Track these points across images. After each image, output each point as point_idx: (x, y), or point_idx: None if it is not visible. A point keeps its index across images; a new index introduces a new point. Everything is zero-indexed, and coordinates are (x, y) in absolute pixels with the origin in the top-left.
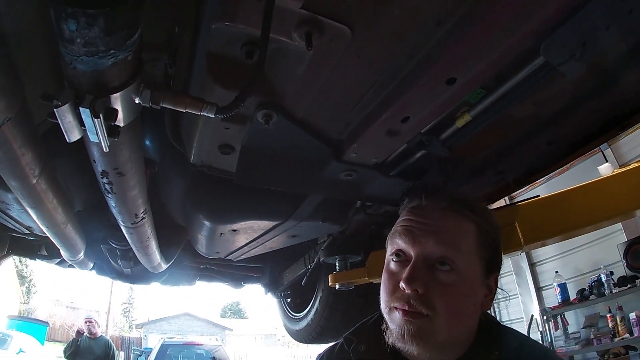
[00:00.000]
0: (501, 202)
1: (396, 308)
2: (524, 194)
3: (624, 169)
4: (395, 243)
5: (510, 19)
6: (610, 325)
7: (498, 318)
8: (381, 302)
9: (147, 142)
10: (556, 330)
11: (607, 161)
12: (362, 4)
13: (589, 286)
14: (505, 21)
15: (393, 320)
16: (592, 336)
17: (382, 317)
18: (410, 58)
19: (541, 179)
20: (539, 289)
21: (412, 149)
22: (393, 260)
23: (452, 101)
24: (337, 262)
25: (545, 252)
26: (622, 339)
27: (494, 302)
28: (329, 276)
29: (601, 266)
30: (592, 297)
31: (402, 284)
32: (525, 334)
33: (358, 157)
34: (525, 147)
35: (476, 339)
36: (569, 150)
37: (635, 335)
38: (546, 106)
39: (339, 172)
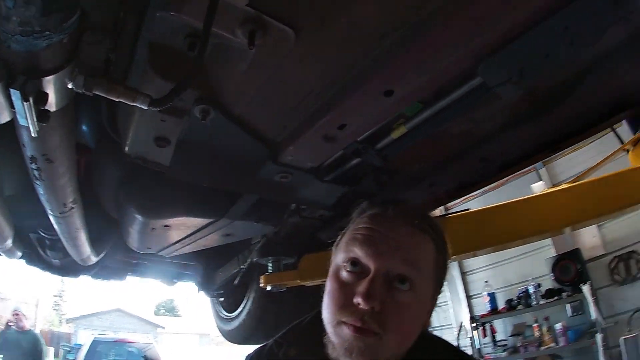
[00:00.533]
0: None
1: (345, 323)
2: (459, 206)
3: (553, 189)
4: (351, 251)
5: (451, 39)
6: (536, 334)
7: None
8: (325, 312)
9: (84, 127)
10: (484, 337)
11: (541, 180)
12: (311, 9)
13: (517, 297)
14: (447, 41)
15: (340, 335)
16: (519, 344)
17: (315, 321)
18: (351, 67)
19: (476, 192)
20: (469, 297)
21: (348, 156)
22: (346, 270)
23: (388, 113)
24: (270, 263)
25: (477, 262)
26: (548, 347)
27: None
28: (261, 277)
29: (530, 278)
30: (519, 307)
31: (357, 299)
32: (455, 340)
33: (294, 160)
34: (459, 162)
35: (410, 348)
36: (501, 168)
37: (561, 344)
38: (482, 125)
39: (274, 174)
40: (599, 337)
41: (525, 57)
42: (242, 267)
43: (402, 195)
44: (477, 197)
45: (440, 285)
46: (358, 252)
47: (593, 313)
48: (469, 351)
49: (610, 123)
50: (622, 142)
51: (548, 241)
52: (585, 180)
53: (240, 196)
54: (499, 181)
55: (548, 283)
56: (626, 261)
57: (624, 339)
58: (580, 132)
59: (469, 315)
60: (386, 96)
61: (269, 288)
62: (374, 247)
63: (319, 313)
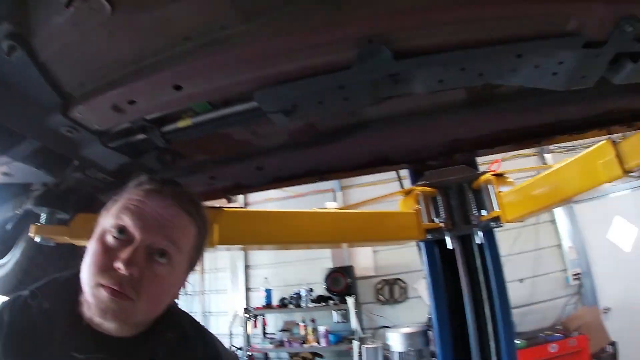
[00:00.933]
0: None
1: (103, 286)
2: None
3: (326, 210)
4: (120, 218)
5: (238, 63)
6: (302, 333)
7: (206, 309)
8: (85, 272)
9: None
10: (255, 327)
11: (335, 201)
12: None
13: (290, 297)
14: (234, 63)
15: (97, 297)
16: (286, 339)
17: (73, 278)
18: (153, 54)
19: (278, 196)
20: (248, 289)
21: (134, 129)
22: (113, 236)
23: (175, 104)
24: (43, 214)
25: (261, 259)
26: (311, 346)
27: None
28: (32, 226)
29: (304, 283)
30: (291, 306)
31: (118, 264)
32: (229, 327)
33: (82, 118)
34: (238, 164)
35: (158, 317)
36: (275, 180)
37: (322, 345)
38: (262, 139)
39: (61, 125)
40: (355, 343)
41: (299, 98)
42: (16, 212)
43: (183, 180)
44: (279, 200)
45: (194, 265)
46: (127, 221)
47: (354, 323)
48: (240, 339)
49: (390, 169)
50: (402, 187)
51: (328, 253)
52: (360, 210)
53: (25, 138)
54: (302, 191)
55: (320, 290)
56: (391, 285)
57: (366, 348)
58: (350, 170)
59: (245, 306)
60: (175, 89)
61: (37, 239)
62: (143, 220)
63: (79, 272)
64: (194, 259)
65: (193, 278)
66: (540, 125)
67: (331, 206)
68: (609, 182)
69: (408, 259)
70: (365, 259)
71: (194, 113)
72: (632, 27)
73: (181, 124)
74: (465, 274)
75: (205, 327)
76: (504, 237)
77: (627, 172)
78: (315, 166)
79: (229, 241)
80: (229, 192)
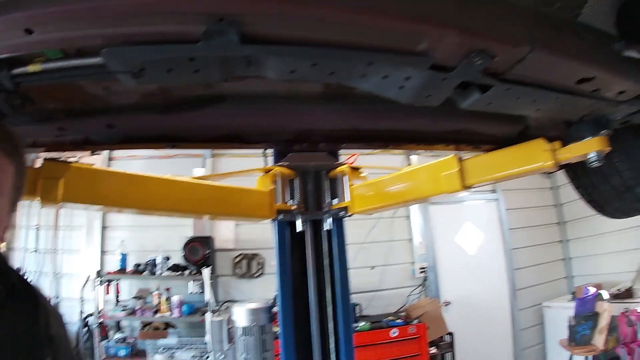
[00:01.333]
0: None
1: None
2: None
3: (188, 179)
4: None
5: (83, 18)
6: (155, 301)
7: (58, 271)
8: None
9: None
10: (108, 293)
11: (204, 167)
12: None
13: (145, 263)
14: (80, 17)
15: None
16: (138, 307)
17: None
18: None
19: (145, 154)
20: (103, 252)
21: None
22: None
23: (26, 47)
24: None
25: (119, 220)
26: (162, 316)
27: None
28: None
29: (162, 249)
30: (146, 273)
31: None
32: (80, 291)
33: None
34: (88, 119)
35: None
36: (126, 140)
37: (175, 315)
38: (114, 96)
39: None
40: (208, 315)
41: (147, 63)
42: None
43: (30, 127)
44: (145, 158)
45: (16, 205)
46: None
47: (208, 294)
48: (91, 305)
49: (243, 146)
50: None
51: (189, 222)
52: (215, 183)
53: None
54: (170, 153)
55: (177, 258)
56: (250, 260)
57: (211, 320)
58: (203, 142)
59: (98, 270)
60: (27, 33)
61: None
62: None
63: None
64: (15, 199)
65: (45, 235)
66: (390, 130)
67: (199, 173)
68: (449, 193)
69: (268, 235)
70: (226, 231)
71: (46, 59)
72: (482, 61)
73: (32, 68)
74: (312, 256)
75: (38, 285)
76: (361, 226)
77: (465, 187)
78: (167, 132)
79: (74, 199)
80: (77, 146)
